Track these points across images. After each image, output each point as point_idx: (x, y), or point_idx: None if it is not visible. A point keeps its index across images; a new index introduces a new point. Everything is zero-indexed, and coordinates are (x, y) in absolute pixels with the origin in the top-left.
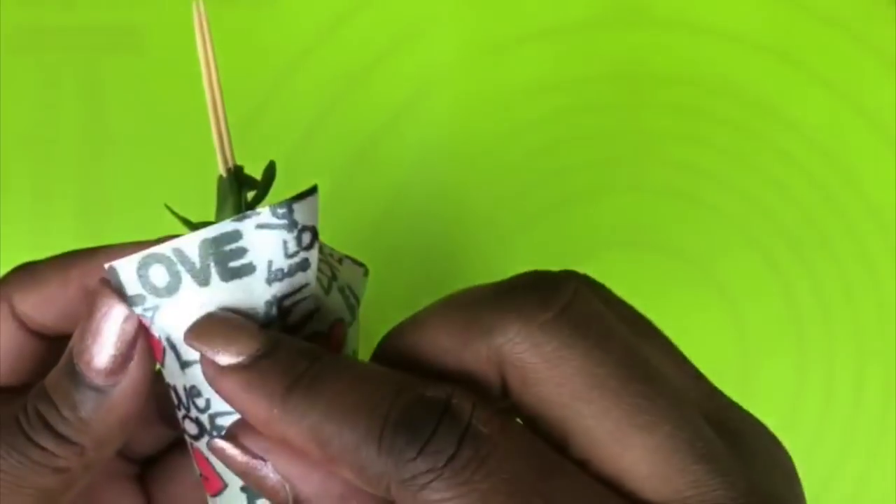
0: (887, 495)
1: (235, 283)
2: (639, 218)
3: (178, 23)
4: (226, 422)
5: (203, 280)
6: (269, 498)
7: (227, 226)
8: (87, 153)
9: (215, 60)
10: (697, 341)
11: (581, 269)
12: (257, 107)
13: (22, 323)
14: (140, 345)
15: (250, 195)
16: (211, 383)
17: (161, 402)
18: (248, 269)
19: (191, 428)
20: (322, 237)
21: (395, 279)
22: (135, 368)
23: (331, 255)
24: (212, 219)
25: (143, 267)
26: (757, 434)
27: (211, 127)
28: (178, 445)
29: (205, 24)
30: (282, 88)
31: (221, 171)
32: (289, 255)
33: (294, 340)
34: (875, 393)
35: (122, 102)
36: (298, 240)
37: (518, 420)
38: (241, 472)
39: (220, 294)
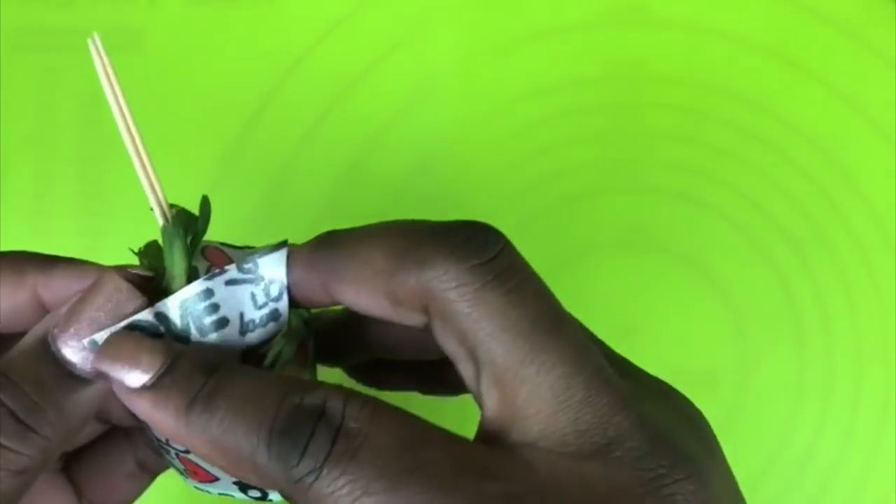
0: (887, 495)
1: (212, 338)
2: (638, 218)
3: (178, 23)
4: None
5: (184, 338)
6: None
7: (199, 285)
8: (87, 153)
9: (129, 108)
10: (697, 341)
11: (580, 269)
12: (258, 108)
13: None
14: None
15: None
16: (125, 403)
17: None
18: (223, 323)
19: (179, 445)
20: None
21: None
22: None
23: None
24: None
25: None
26: (664, 388)
27: (140, 178)
28: (104, 438)
29: (109, 69)
30: (282, 89)
31: (159, 219)
32: (259, 307)
33: (193, 353)
34: (874, 393)
35: None
36: (266, 292)
37: (387, 404)
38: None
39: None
